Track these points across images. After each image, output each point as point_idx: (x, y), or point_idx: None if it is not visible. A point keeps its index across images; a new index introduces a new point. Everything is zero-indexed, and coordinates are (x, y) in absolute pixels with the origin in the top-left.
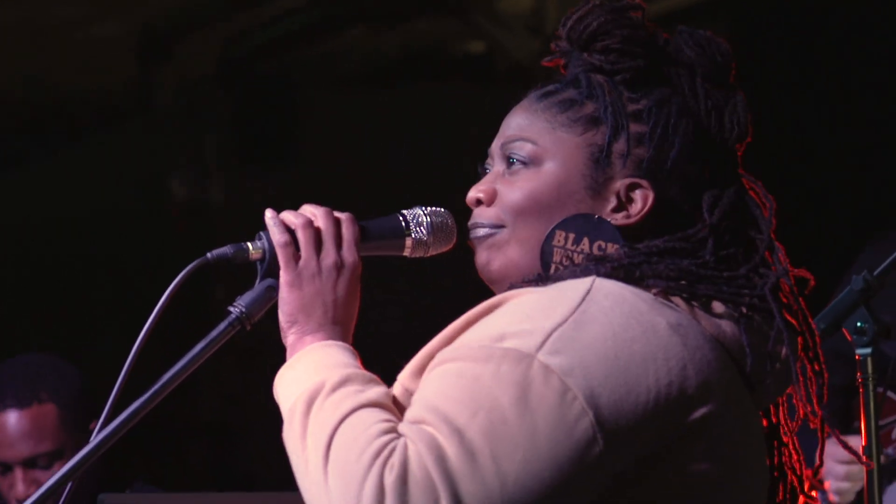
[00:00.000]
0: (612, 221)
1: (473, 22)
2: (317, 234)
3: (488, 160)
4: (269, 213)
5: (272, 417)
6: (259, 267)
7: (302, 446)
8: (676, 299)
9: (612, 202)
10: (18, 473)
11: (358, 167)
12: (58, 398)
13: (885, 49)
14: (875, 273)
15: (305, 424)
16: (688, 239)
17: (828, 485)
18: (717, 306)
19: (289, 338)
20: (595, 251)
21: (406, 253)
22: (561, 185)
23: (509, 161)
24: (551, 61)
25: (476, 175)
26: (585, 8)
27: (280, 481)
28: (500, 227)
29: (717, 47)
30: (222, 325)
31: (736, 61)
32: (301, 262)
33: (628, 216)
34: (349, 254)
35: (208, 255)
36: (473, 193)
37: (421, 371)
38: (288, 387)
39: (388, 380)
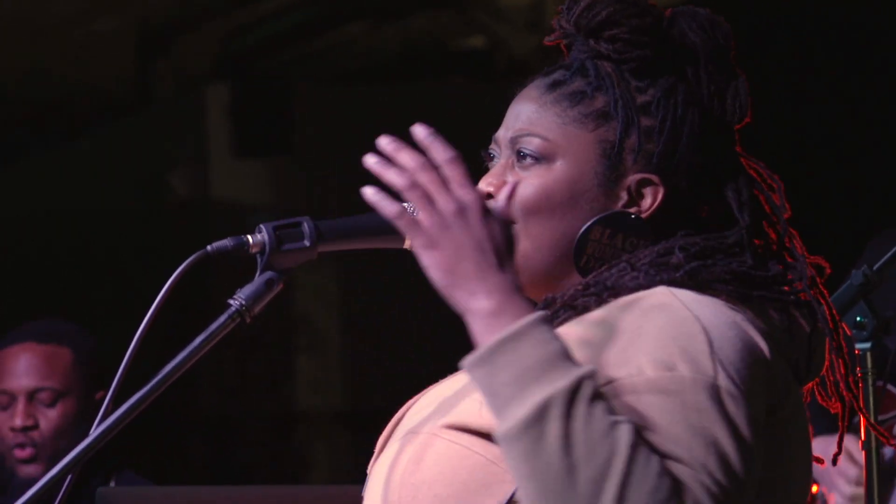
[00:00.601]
0: None
1: (473, 17)
2: (424, 189)
3: (493, 146)
4: (370, 190)
5: (271, 411)
6: (259, 260)
7: (562, 450)
8: (736, 303)
9: (624, 198)
10: (21, 404)
11: (357, 162)
12: (75, 348)
13: (886, 47)
14: (874, 268)
15: (567, 430)
16: (723, 239)
17: (832, 498)
18: (767, 306)
19: (458, 300)
20: (627, 247)
21: (406, 246)
22: (573, 183)
23: (519, 155)
24: (553, 41)
25: (477, 164)
26: None
27: (278, 475)
28: (510, 223)
29: (719, 29)
30: (222, 318)
31: (735, 43)
32: (423, 222)
33: (639, 212)
34: (465, 193)
35: (208, 248)
36: (483, 186)
37: None
38: (515, 372)
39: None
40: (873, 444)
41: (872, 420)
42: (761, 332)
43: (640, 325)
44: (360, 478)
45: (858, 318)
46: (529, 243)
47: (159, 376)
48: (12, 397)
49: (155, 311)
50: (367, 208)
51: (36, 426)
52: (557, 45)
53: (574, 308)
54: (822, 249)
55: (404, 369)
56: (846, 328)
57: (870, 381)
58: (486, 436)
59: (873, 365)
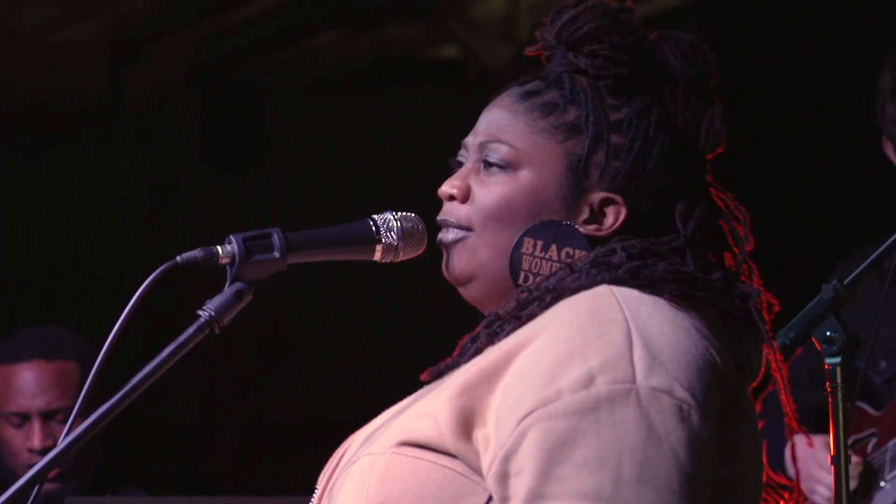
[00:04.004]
0: (583, 231)
1: (446, 27)
2: None
3: (462, 152)
4: None
5: (241, 421)
6: (228, 271)
7: None
8: (679, 302)
9: (585, 213)
10: (37, 424)
11: (328, 172)
12: (81, 361)
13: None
14: (845, 282)
15: None
16: (661, 244)
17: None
18: (709, 308)
19: None
20: (563, 258)
21: (376, 258)
22: (536, 194)
23: (486, 161)
24: (534, 52)
25: (449, 174)
26: (579, 8)
27: (248, 485)
28: (469, 229)
29: (701, 56)
30: (191, 329)
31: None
32: None
33: (599, 229)
34: None
35: (177, 258)
36: (447, 188)
37: (456, 399)
38: None
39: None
40: (843, 459)
41: (842, 434)
42: (705, 333)
43: (563, 333)
44: None
45: (828, 333)
46: (487, 252)
47: (128, 387)
48: (25, 417)
49: (124, 322)
50: (338, 220)
51: (54, 446)
52: (532, 57)
53: (519, 318)
54: (786, 275)
55: (375, 380)
56: (816, 343)
57: (839, 396)
58: (447, 453)
59: (843, 380)
